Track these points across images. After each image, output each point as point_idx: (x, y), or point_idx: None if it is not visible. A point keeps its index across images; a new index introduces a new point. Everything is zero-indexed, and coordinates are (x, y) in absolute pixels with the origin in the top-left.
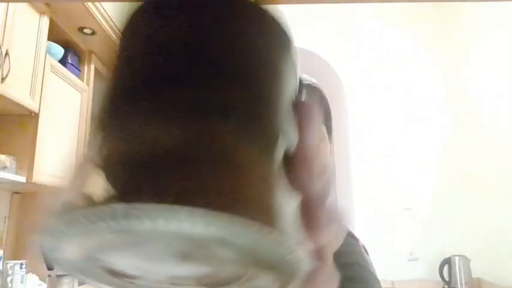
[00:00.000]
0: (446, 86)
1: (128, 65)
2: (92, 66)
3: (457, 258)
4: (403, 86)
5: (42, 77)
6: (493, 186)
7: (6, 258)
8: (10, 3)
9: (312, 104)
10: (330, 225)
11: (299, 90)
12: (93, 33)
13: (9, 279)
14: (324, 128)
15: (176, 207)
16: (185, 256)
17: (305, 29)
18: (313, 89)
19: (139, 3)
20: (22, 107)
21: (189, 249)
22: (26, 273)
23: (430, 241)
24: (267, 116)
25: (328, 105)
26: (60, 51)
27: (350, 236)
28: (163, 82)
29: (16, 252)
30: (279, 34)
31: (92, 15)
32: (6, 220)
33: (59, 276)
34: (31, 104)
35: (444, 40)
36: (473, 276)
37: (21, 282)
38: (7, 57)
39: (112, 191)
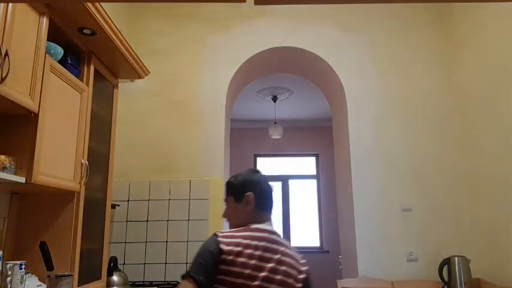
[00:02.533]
0: (445, 87)
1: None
2: (92, 67)
3: (456, 258)
4: (403, 86)
5: (42, 77)
6: (492, 187)
7: (5, 258)
8: (10, 3)
9: None
10: None
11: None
12: (93, 33)
13: (8, 279)
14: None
15: None
16: None
17: (305, 29)
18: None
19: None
20: (21, 107)
21: None
22: (26, 273)
23: (430, 241)
24: None
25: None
26: (59, 51)
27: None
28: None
29: (15, 252)
30: None
31: (91, 15)
32: (6, 220)
33: (58, 276)
34: (30, 104)
35: (441, 43)
36: (473, 276)
37: (21, 282)
38: (6, 58)
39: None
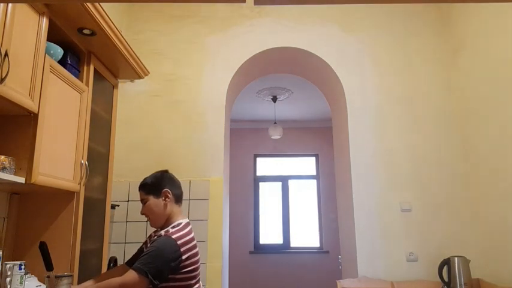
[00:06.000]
0: (445, 87)
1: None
2: (92, 67)
3: (456, 258)
4: (403, 86)
5: (42, 77)
6: (492, 187)
7: (5, 259)
8: (10, 3)
9: None
10: None
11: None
12: (92, 33)
13: (8, 280)
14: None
15: None
16: None
17: (305, 29)
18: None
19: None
20: (21, 107)
21: None
22: (25, 274)
23: (430, 242)
24: None
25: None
26: (59, 51)
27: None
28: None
29: (15, 253)
30: None
31: (91, 15)
32: (5, 221)
33: (58, 276)
34: (30, 104)
35: (440, 43)
36: (473, 277)
37: (20, 283)
38: (6, 58)
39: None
